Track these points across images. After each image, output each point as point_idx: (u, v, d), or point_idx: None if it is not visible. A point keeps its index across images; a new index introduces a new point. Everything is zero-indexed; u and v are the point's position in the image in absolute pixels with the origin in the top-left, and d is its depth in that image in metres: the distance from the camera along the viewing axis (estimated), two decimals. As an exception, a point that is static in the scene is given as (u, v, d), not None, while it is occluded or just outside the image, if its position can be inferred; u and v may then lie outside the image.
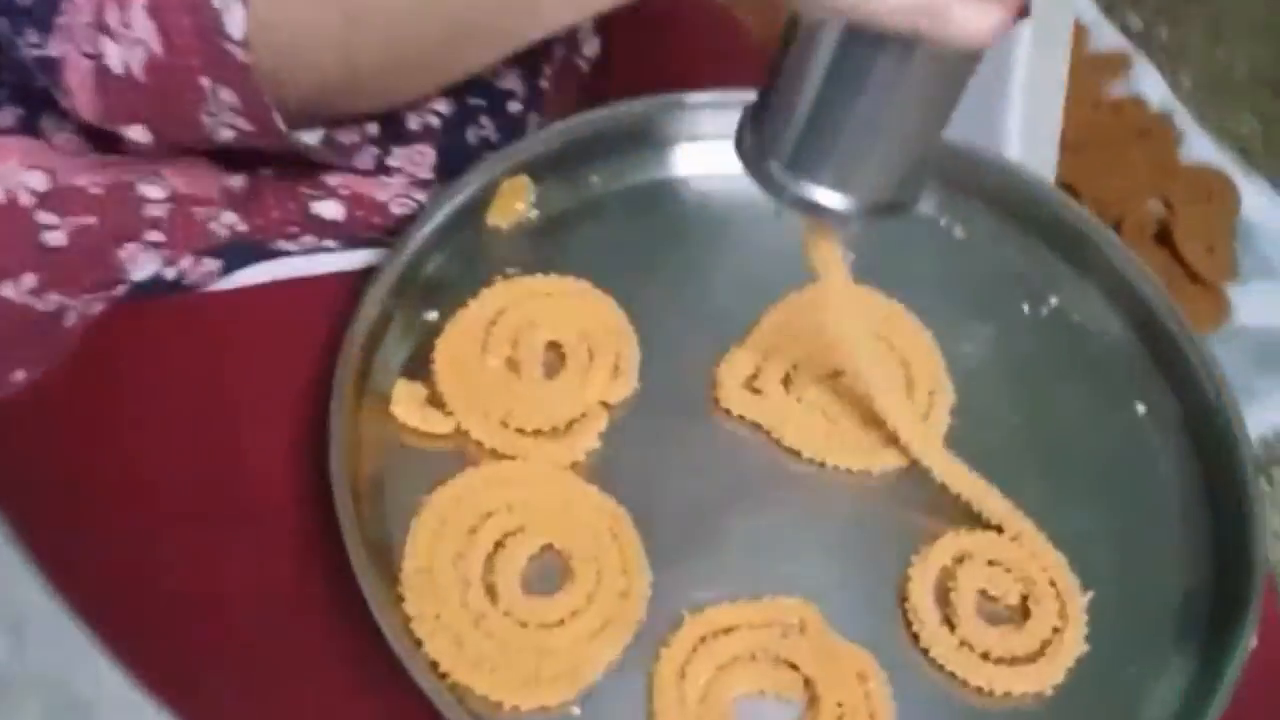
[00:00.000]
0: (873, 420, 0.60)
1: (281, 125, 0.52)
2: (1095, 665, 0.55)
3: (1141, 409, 0.63)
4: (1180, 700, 0.55)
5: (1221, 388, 0.60)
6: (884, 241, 0.63)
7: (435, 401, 0.58)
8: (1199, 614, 0.57)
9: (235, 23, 0.48)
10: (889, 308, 0.62)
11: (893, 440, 0.59)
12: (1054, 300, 0.65)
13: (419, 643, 0.51)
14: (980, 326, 0.64)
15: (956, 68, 0.44)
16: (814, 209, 0.47)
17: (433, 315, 0.60)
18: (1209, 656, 0.55)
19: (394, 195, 0.63)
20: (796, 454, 0.59)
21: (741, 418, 0.59)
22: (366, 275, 0.59)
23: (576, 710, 0.52)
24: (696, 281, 0.63)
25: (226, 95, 0.50)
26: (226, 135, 0.52)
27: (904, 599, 0.56)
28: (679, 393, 0.60)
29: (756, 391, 0.60)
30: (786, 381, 0.60)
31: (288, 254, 0.62)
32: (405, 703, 0.49)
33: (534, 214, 0.64)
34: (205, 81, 0.49)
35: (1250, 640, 0.54)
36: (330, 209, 0.62)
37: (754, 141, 0.48)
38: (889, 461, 0.59)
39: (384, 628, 0.50)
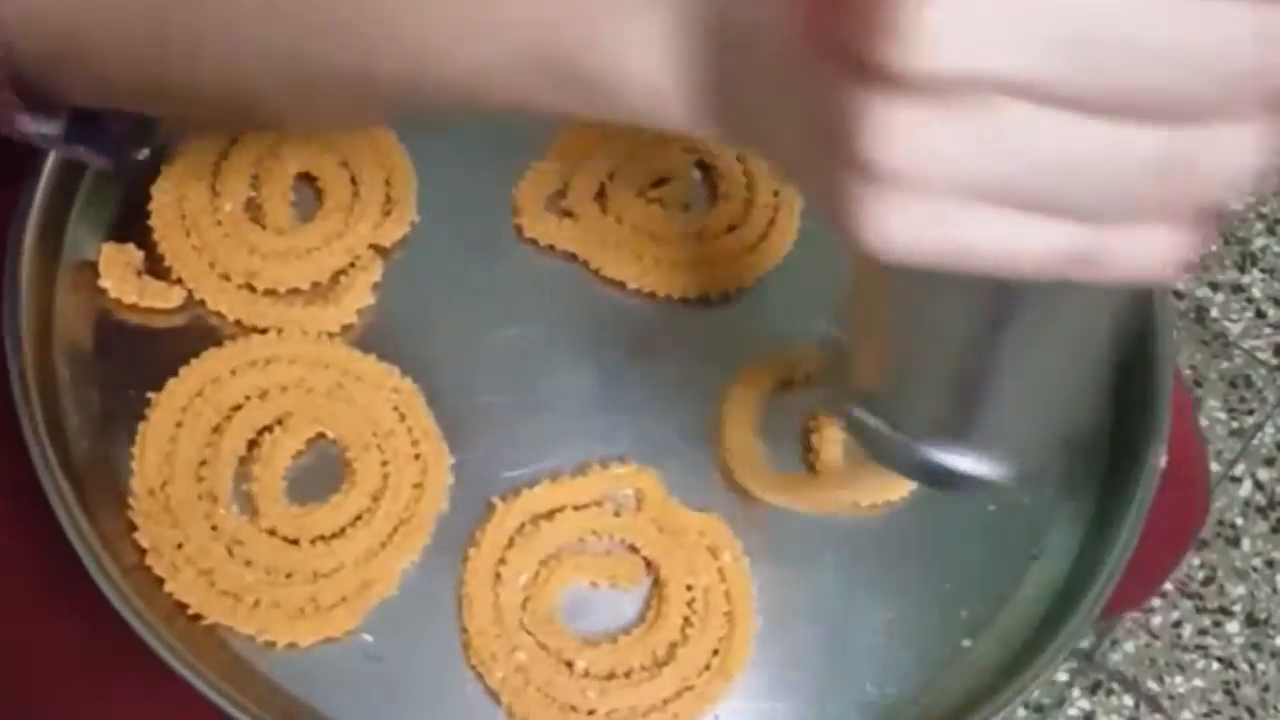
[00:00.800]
0: (712, 235, 0.49)
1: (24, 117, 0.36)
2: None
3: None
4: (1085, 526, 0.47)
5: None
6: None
7: (156, 267, 0.46)
8: (1096, 431, 0.49)
9: None
10: None
11: (743, 253, 0.49)
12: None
13: (159, 582, 0.41)
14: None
15: (1108, 298, 0.30)
16: (962, 483, 0.33)
17: (143, 153, 0.47)
18: (1112, 476, 0.48)
19: None
20: (620, 285, 0.48)
21: (550, 248, 0.48)
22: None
23: (369, 637, 0.42)
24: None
25: None
26: None
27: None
28: (469, 225, 0.48)
29: (566, 214, 0.49)
30: (601, 198, 0.49)
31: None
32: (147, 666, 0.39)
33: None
34: None
35: (1160, 458, 0.46)
36: None
37: (840, 390, 0.34)
38: (731, 283, 0.49)
39: (93, 570, 0.39)
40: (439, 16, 0.30)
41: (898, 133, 0.22)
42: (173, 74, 0.34)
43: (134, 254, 0.45)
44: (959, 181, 0.23)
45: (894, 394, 0.33)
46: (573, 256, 0.48)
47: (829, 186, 0.24)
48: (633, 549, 0.44)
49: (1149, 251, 0.24)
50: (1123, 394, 0.49)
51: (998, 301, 0.29)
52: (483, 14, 0.29)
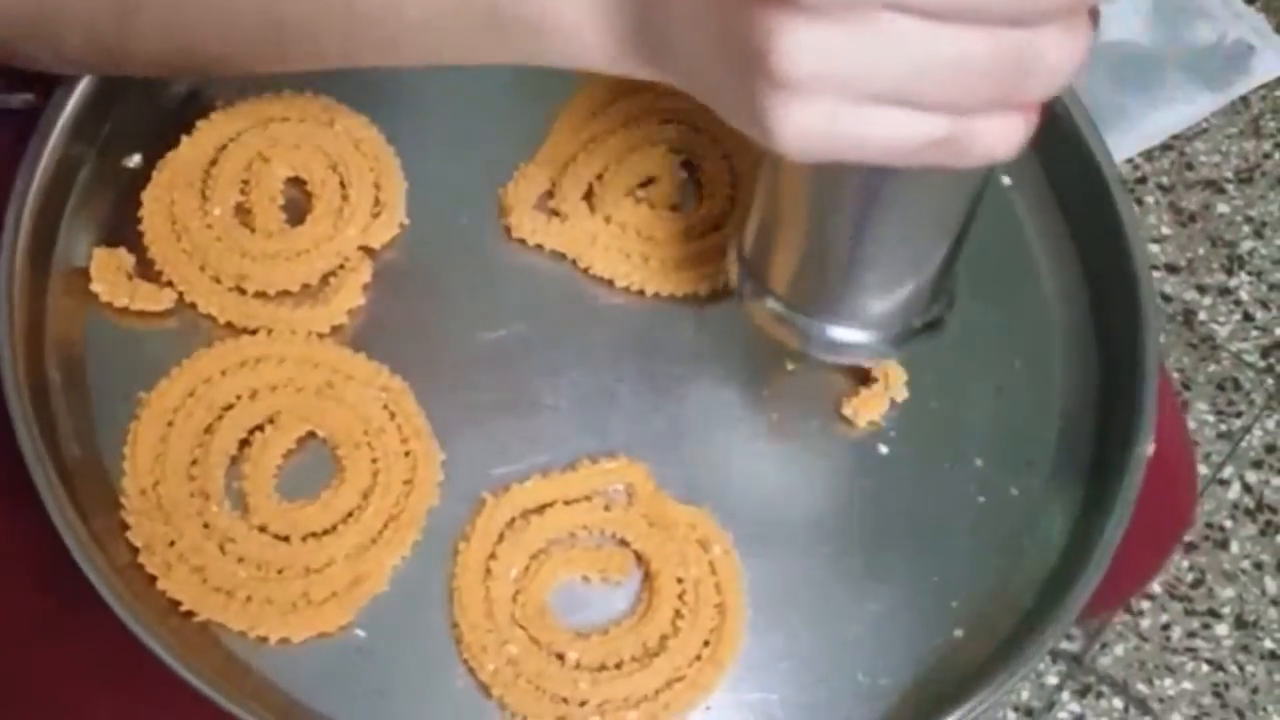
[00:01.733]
0: (699, 233, 0.50)
1: None
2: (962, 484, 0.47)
3: (1005, 180, 0.54)
4: (1073, 518, 0.48)
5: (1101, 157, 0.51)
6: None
7: (147, 270, 0.46)
8: (1083, 423, 0.49)
9: None
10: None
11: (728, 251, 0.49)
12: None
13: (151, 580, 0.41)
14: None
15: (973, 176, 0.37)
16: (847, 353, 0.42)
17: (135, 160, 0.48)
18: (1099, 467, 0.48)
19: None
20: (609, 284, 0.49)
21: (539, 247, 0.49)
22: (37, 114, 0.46)
23: (361, 632, 0.42)
24: (469, 82, 0.51)
25: None
26: None
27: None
28: (458, 226, 0.49)
29: (555, 214, 0.49)
30: (589, 198, 0.50)
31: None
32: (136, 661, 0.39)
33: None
34: None
35: (1147, 448, 0.47)
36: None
37: (754, 285, 0.42)
38: (718, 280, 0.49)
39: (86, 568, 0.39)
40: None
41: (803, 49, 0.28)
42: (127, 39, 0.37)
43: (125, 258, 0.46)
44: (852, 85, 0.29)
45: (791, 282, 0.41)
46: (561, 256, 0.49)
47: (744, 99, 0.30)
48: (623, 543, 0.45)
49: (999, 137, 0.30)
50: (1109, 386, 0.49)
51: (872, 189, 0.35)
52: None
